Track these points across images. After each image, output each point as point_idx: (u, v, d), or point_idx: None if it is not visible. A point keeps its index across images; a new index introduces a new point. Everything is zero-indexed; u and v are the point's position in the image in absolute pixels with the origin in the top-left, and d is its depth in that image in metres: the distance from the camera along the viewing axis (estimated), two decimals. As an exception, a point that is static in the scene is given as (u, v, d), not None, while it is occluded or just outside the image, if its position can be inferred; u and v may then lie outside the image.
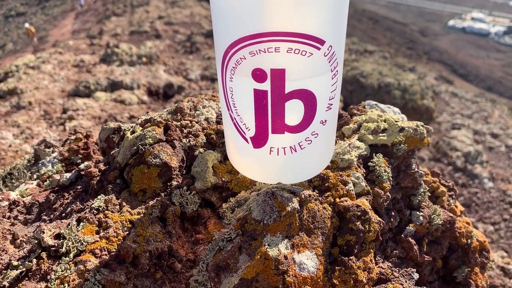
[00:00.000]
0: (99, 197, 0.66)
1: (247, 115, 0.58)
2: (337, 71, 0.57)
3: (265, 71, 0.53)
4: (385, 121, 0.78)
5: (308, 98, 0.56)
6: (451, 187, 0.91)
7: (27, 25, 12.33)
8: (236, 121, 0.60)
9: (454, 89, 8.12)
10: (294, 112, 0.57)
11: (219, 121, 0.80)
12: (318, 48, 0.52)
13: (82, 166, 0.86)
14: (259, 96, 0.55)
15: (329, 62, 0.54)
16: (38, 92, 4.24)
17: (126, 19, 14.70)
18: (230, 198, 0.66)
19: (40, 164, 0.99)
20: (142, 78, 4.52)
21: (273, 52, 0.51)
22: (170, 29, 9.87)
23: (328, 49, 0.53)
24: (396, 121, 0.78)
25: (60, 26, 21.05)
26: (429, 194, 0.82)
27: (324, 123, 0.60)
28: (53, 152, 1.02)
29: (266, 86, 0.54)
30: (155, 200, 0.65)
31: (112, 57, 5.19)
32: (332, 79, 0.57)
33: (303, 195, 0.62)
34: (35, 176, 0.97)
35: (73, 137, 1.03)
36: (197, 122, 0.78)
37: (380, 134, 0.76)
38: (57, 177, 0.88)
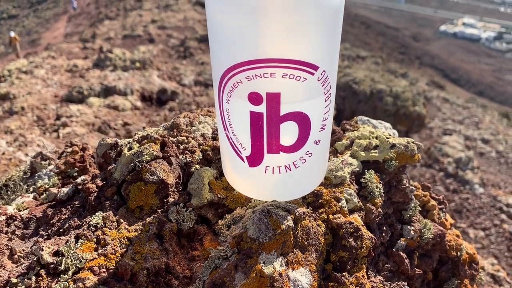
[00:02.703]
0: (97, 213, 0.68)
1: (243, 135, 0.60)
2: (330, 93, 0.58)
3: (261, 95, 0.55)
4: (376, 137, 0.80)
5: (302, 120, 0.58)
6: (441, 200, 0.94)
7: (12, 33, 12.24)
8: (232, 141, 0.62)
9: (446, 94, 8.20)
10: (288, 133, 0.59)
11: (215, 137, 0.81)
12: (312, 74, 0.54)
13: (79, 180, 0.87)
14: (255, 118, 0.57)
15: (323, 86, 0.56)
16: (31, 97, 4.22)
17: (119, 22, 14.66)
18: (226, 215, 0.67)
19: (36, 177, 1.00)
20: (136, 83, 4.52)
21: (268, 77, 0.53)
22: (164, 33, 9.86)
23: (321, 74, 0.55)
24: (387, 138, 0.80)
25: (52, 29, 20.95)
26: (420, 209, 0.84)
27: (317, 143, 0.62)
28: (49, 164, 1.02)
29: (262, 108, 0.56)
30: (152, 217, 0.66)
31: (106, 62, 5.19)
32: (326, 101, 0.59)
33: (297, 213, 0.64)
34: (31, 189, 0.97)
35: (69, 149, 1.04)
36: (193, 138, 0.80)
37: (372, 151, 0.78)
38: (54, 190, 0.89)
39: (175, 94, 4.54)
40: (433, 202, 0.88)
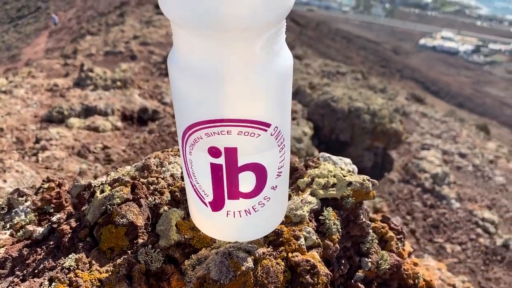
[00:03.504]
0: (70, 256, 0.72)
1: (205, 183, 0.65)
2: (284, 145, 0.64)
3: (220, 149, 0.60)
4: (334, 176, 0.85)
5: (259, 170, 0.63)
6: (400, 230, 1.00)
7: None
8: (196, 188, 0.67)
9: (424, 109, 8.38)
10: (247, 181, 0.64)
11: (183, 177, 0.86)
12: (265, 130, 0.59)
13: (54, 219, 0.91)
14: (215, 168, 0.62)
15: (276, 139, 0.62)
16: (10, 118, 4.21)
17: (101, 38, 14.63)
18: (192, 255, 0.72)
19: (13, 213, 1.03)
20: (117, 102, 4.54)
21: (225, 134, 0.58)
22: (146, 50, 9.89)
23: (274, 130, 0.60)
24: (344, 176, 0.86)
25: (33, 44, 20.78)
26: (377, 241, 0.89)
27: (275, 188, 0.67)
28: (26, 201, 1.06)
29: (221, 160, 0.61)
30: (122, 259, 0.71)
31: (86, 81, 5.19)
32: (280, 152, 0.64)
33: (257, 254, 0.69)
34: (8, 226, 1.01)
35: (46, 185, 1.07)
36: (163, 179, 0.84)
37: (330, 189, 0.84)
38: (30, 228, 0.93)
39: (156, 113, 4.57)
40: (391, 233, 0.94)
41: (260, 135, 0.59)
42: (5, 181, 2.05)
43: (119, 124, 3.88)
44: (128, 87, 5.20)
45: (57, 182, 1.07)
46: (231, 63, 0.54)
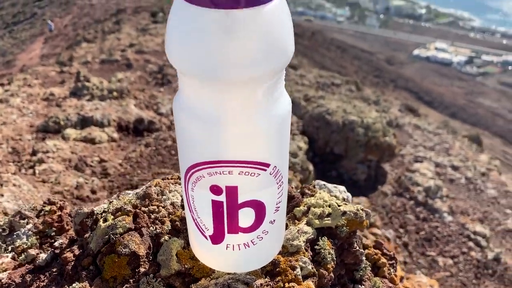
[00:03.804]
0: (74, 284, 0.74)
1: (206, 218, 0.68)
2: (282, 182, 0.67)
3: (221, 187, 0.63)
4: (329, 206, 0.89)
5: (258, 206, 0.66)
6: (392, 256, 1.03)
7: None
8: (197, 221, 0.70)
9: (417, 121, 8.46)
10: (246, 217, 0.67)
11: (183, 205, 0.89)
12: (265, 170, 0.62)
13: (56, 243, 0.93)
14: (216, 205, 0.65)
15: (275, 178, 0.65)
16: (6, 127, 4.22)
17: (97, 45, 14.65)
18: (192, 285, 0.75)
19: (14, 236, 1.05)
20: (113, 113, 4.56)
21: (227, 174, 0.61)
22: (142, 58, 9.92)
23: (273, 169, 0.64)
24: (339, 206, 0.89)
25: (28, 50, 20.74)
26: (370, 268, 0.93)
27: (273, 222, 0.70)
28: (27, 223, 1.08)
29: (222, 198, 0.64)
30: (124, 287, 0.73)
31: (83, 91, 5.21)
32: (278, 189, 0.67)
33: (255, 285, 0.71)
34: (9, 248, 1.03)
35: (47, 208, 1.10)
36: (163, 207, 0.87)
37: (326, 219, 0.87)
38: (32, 252, 0.95)
39: (152, 123, 4.59)
40: (383, 259, 0.97)
41: (260, 174, 0.63)
42: (2, 195, 2.06)
43: (115, 135, 3.90)
44: (124, 97, 5.22)
45: (59, 205, 1.10)
46: (233, 109, 0.57)
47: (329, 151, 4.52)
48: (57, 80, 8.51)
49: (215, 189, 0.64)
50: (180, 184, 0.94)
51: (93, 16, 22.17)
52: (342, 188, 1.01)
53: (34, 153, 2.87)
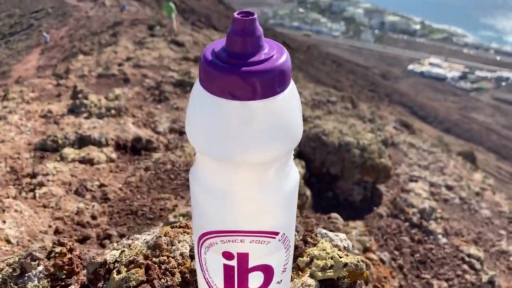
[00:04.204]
0: None
1: (217, 280, 0.72)
2: (289, 246, 0.71)
3: (233, 253, 0.67)
4: (332, 258, 0.92)
5: (267, 269, 0.70)
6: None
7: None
8: (208, 281, 0.74)
9: (412, 139, 8.54)
10: (256, 279, 0.71)
11: (191, 255, 0.93)
12: (274, 238, 0.66)
13: (67, 291, 0.96)
14: (228, 269, 0.69)
15: (283, 243, 0.69)
16: (4, 146, 4.24)
17: (94, 58, 14.69)
18: None
19: (26, 278, 1.08)
20: (111, 132, 4.59)
21: (239, 242, 0.65)
22: (139, 73, 9.97)
23: (282, 236, 0.68)
24: (340, 258, 0.93)
25: (24, 61, 20.74)
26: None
27: (280, 282, 0.74)
28: (38, 265, 1.11)
29: (233, 263, 0.68)
30: None
31: (81, 108, 5.25)
32: (286, 252, 0.71)
33: None
34: (20, 292, 1.05)
35: (57, 249, 1.13)
36: (173, 258, 0.91)
37: (328, 271, 0.91)
38: (42, 297, 0.98)
39: (149, 142, 4.62)
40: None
41: (269, 242, 0.66)
42: (4, 221, 2.08)
43: (114, 155, 3.93)
44: (122, 115, 5.26)
45: (68, 247, 1.13)
46: (246, 186, 0.61)
47: (325, 172, 4.57)
48: (54, 93, 8.53)
49: (227, 255, 0.68)
50: (188, 233, 0.98)
51: (90, 28, 22.24)
52: (343, 235, 1.05)
53: (34, 175, 2.89)
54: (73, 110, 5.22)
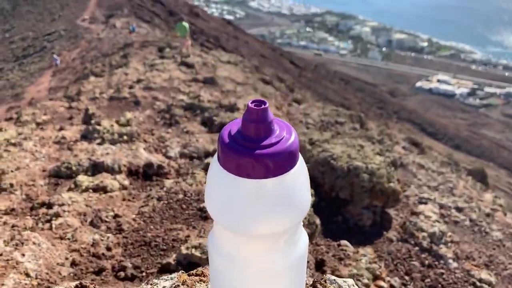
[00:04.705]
0: None
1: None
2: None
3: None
4: (341, 306, 0.98)
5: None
6: None
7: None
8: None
9: (421, 159, 8.54)
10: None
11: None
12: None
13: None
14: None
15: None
16: (19, 173, 4.34)
17: (105, 80, 14.95)
18: None
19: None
20: (123, 158, 4.68)
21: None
22: (149, 96, 10.14)
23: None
24: (349, 306, 0.98)
25: (37, 83, 21.12)
26: None
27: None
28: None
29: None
30: None
31: (94, 134, 5.36)
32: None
33: None
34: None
35: (78, 293, 1.19)
36: (190, 306, 0.96)
37: (337, 319, 0.96)
38: None
39: (160, 168, 4.71)
40: None
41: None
42: (23, 255, 2.15)
43: (126, 182, 4.01)
44: (134, 141, 5.36)
45: (89, 291, 1.19)
46: (258, 254, 0.67)
47: (334, 196, 4.60)
48: (66, 116, 8.70)
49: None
50: (204, 281, 1.04)
51: (101, 50, 22.65)
52: (351, 281, 1.10)
53: (50, 205, 2.97)
54: (86, 136, 5.34)
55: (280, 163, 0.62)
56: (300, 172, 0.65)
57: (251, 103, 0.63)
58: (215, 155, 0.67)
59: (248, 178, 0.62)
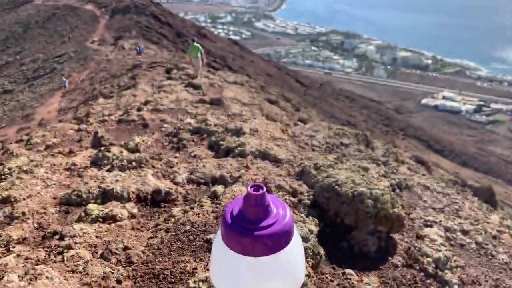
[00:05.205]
0: None
1: None
2: None
3: None
4: None
5: None
6: None
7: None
8: None
9: (426, 180, 8.57)
10: None
11: None
12: None
13: None
14: None
15: None
16: (31, 201, 4.45)
17: (114, 101, 15.19)
18: None
19: None
20: (132, 185, 4.78)
21: None
22: (157, 118, 10.31)
23: None
24: None
25: (46, 104, 21.45)
26: None
27: None
28: None
29: None
30: None
31: (103, 161, 5.48)
32: None
33: None
34: None
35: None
36: None
37: None
38: None
39: (168, 194, 4.80)
40: None
41: None
42: (37, 290, 2.24)
43: (135, 210, 4.10)
44: (143, 167, 5.47)
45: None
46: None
47: (339, 222, 4.65)
48: (75, 138, 8.87)
49: None
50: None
51: (110, 71, 23.02)
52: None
53: (61, 237, 3.06)
54: (96, 163, 5.46)
55: (277, 242, 0.72)
56: (295, 245, 0.75)
57: (250, 187, 0.73)
58: (219, 232, 0.76)
59: (247, 256, 0.71)
